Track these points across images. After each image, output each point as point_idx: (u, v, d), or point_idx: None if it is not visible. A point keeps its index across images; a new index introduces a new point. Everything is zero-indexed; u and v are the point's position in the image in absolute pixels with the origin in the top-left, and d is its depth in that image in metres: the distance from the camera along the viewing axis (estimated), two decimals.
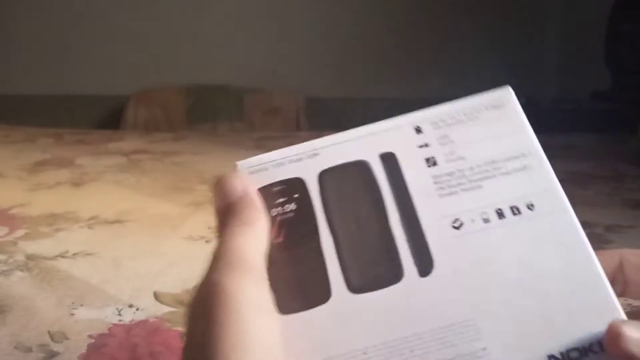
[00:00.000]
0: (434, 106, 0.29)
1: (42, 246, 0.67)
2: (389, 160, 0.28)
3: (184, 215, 0.82)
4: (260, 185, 0.28)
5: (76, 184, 1.00)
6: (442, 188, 0.27)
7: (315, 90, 2.14)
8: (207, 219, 0.79)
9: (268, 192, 0.28)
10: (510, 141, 0.27)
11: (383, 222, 0.26)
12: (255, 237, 0.25)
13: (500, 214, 0.26)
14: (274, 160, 0.28)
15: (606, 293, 0.24)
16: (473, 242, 0.26)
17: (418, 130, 0.28)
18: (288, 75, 2.18)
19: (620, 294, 0.26)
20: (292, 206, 0.27)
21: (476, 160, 0.27)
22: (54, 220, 0.77)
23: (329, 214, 0.27)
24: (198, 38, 2.15)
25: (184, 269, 0.61)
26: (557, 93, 2.21)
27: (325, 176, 0.28)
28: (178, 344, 0.46)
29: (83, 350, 0.45)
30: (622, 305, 0.24)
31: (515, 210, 0.26)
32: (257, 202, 0.27)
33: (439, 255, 0.26)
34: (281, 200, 0.27)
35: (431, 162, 0.27)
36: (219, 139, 1.61)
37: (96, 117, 2.14)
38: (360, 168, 0.28)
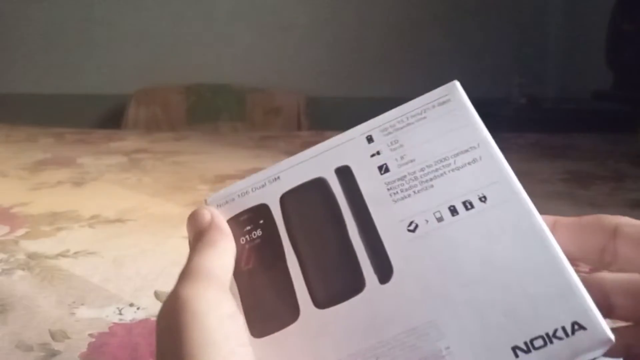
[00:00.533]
0: (383, 113, 0.29)
1: (43, 245, 0.68)
2: (345, 174, 0.28)
3: (185, 214, 0.81)
4: (229, 216, 0.29)
5: (77, 183, 1.00)
6: (395, 193, 0.27)
7: (317, 89, 2.14)
8: None
9: (236, 222, 0.29)
10: (458, 136, 0.27)
11: (342, 235, 0.27)
12: (219, 255, 0.26)
13: (453, 211, 0.26)
14: (239, 190, 0.29)
15: (568, 277, 0.23)
16: (429, 243, 0.25)
17: (369, 139, 0.28)
18: (289, 75, 2.18)
19: (607, 265, 0.26)
20: (259, 232, 0.28)
21: (426, 160, 0.27)
22: (55, 220, 0.77)
23: (292, 234, 0.27)
24: (199, 37, 2.15)
25: None
26: (558, 93, 2.21)
27: (286, 198, 0.28)
28: None
29: (84, 349, 0.45)
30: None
31: (468, 205, 0.26)
32: (223, 226, 0.28)
33: (397, 260, 0.25)
34: (248, 228, 0.28)
35: (383, 169, 0.27)
36: (220, 139, 1.61)
37: (97, 116, 2.14)
38: (318, 185, 0.28)
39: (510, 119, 1.82)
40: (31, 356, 0.44)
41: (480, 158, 0.26)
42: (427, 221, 0.26)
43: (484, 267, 0.24)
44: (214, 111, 2.01)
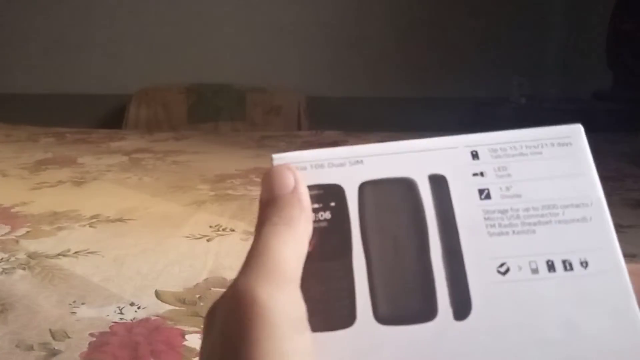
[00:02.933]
0: (494, 132, 0.26)
1: (43, 245, 0.68)
2: (439, 184, 0.25)
3: (185, 214, 0.82)
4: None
5: (78, 182, 1.00)
6: (492, 225, 0.24)
7: (317, 89, 2.14)
8: (208, 217, 0.80)
9: None
10: (572, 186, 0.25)
11: (423, 251, 0.24)
12: (296, 241, 0.23)
13: (550, 266, 0.24)
14: (314, 160, 0.26)
15: None
16: (517, 292, 0.23)
17: (474, 155, 0.25)
18: (289, 74, 2.18)
19: None
20: (327, 215, 0.25)
21: (533, 200, 0.25)
22: (56, 219, 0.77)
23: (365, 230, 0.25)
24: (200, 37, 2.15)
25: (186, 268, 0.61)
26: (558, 93, 2.21)
27: (366, 188, 0.25)
28: (179, 342, 0.46)
29: (84, 348, 0.45)
30: None
31: (567, 265, 0.24)
32: (306, 203, 0.24)
33: (478, 299, 0.23)
34: (316, 206, 0.25)
35: (485, 194, 0.25)
36: (220, 138, 1.61)
37: (98, 116, 2.14)
38: (406, 186, 0.25)
39: (510, 119, 1.82)
40: (32, 356, 0.44)
41: (591, 218, 0.24)
42: (520, 268, 0.23)
43: (568, 334, 0.23)
44: (214, 111, 2.01)
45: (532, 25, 2.21)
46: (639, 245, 0.70)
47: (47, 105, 2.06)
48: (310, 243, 0.24)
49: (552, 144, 0.26)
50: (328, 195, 0.25)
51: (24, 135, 1.53)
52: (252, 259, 0.22)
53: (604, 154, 1.35)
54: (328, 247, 0.24)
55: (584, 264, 0.24)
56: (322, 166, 0.26)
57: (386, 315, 0.23)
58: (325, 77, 2.19)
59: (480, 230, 0.24)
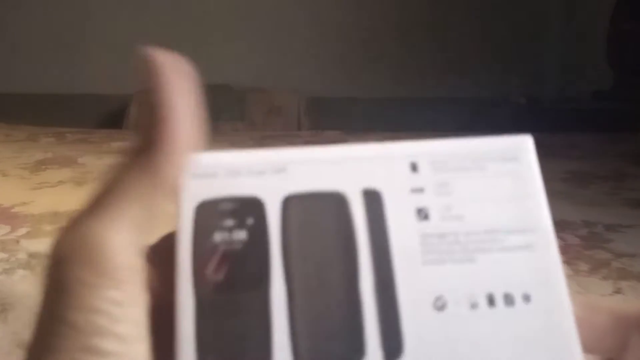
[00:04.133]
0: (437, 140, 0.23)
1: (44, 245, 0.68)
2: (373, 201, 0.22)
3: None
4: (206, 197, 0.21)
5: (78, 183, 1.00)
6: (429, 252, 0.21)
7: (317, 89, 2.14)
8: None
9: (213, 209, 0.21)
10: (517, 208, 0.22)
11: (352, 281, 0.21)
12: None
13: (491, 301, 0.21)
14: (228, 166, 0.22)
15: None
16: (454, 331, 0.21)
17: (414, 167, 0.22)
18: (290, 74, 2.18)
19: None
20: (243, 235, 0.21)
21: (475, 224, 0.22)
22: (56, 219, 0.77)
23: (287, 254, 0.21)
24: (199, 37, 2.15)
25: None
26: (558, 92, 2.21)
27: (291, 203, 0.22)
28: None
29: None
30: None
31: (508, 300, 0.21)
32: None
33: (411, 339, 0.21)
34: (230, 223, 0.21)
35: (423, 214, 0.22)
36: (220, 139, 1.61)
37: (98, 116, 2.14)
38: (337, 202, 0.22)
39: (510, 119, 1.82)
40: None
41: (536, 246, 0.22)
42: (458, 303, 0.21)
43: None
44: (214, 111, 2.01)
45: (532, 25, 2.21)
46: (639, 245, 0.70)
47: (48, 105, 2.06)
48: (220, 269, 0.21)
49: (497, 158, 0.23)
50: (245, 211, 0.21)
51: (24, 135, 1.53)
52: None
53: (604, 154, 1.35)
54: (242, 274, 0.21)
55: (526, 299, 0.21)
56: (238, 173, 0.22)
57: (307, 355, 0.20)
58: (325, 77, 2.20)
59: (416, 257, 0.21)
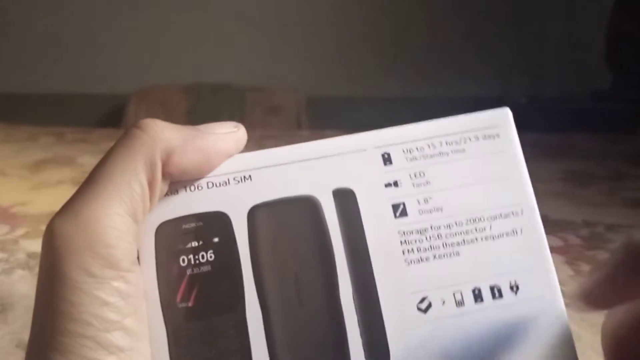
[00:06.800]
0: (407, 125, 0.21)
1: None
2: (346, 200, 0.20)
3: None
4: (167, 218, 0.20)
5: (78, 182, 1.00)
6: (410, 251, 0.20)
7: (317, 88, 2.14)
8: None
9: (177, 230, 0.20)
10: (500, 190, 0.21)
11: (331, 291, 0.20)
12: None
13: (477, 296, 0.20)
14: (189, 180, 0.20)
15: None
16: (441, 333, 0.20)
17: (387, 158, 0.21)
18: (289, 73, 2.18)
19: None
20: (210, 256, 0.20)
21: (457, 214, 0.21)
22: None
23: (258, 270, 0.20)
24: (199, 36, 2.15)
25: None
26: (557, 92, 2.21)
27: (257, 214, 0.20)
28: None
29: None
30: None
31: (496, 292, 0.20)
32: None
33: (397, 345, 0.19)
34: (195, 244, 0.20)
35: (400, 210, 0.20)
36: None
37: (97, 115, 2.14)
38: (307, 207, 0.20)
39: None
40: None
41: (521, 231, 0.21)
42: (443, 302, 0.20)
43: None
44: (214, 111, 2.01)
45: (532, 25, 2.21)
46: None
47: (47, 104, 2.05)
48: (189, 295, 0.19)
49: (477, 137, 0.22)
50: (210, 228, 0.20)
51: (23, 135, 1.53)
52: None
53: (604, 154, 1.35)
54: (214, 298, 0.19)
55: (514, 289, 0.20)
56: (200, 188, 0.20)
57: None
58: (325, 77, 2.19)
59: (396, 257, 0.20)
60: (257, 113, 2.04)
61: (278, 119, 2.03)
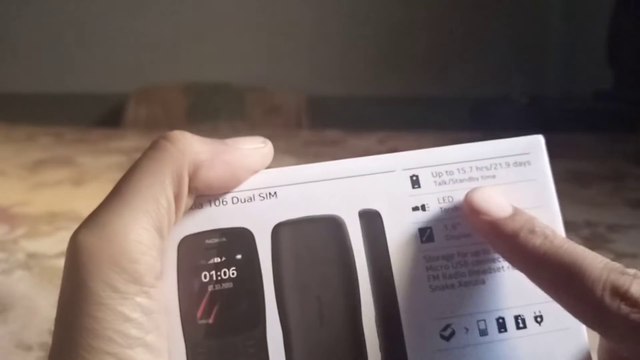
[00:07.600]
0: (437, 147, 0.21)
1: (42, 245, 0.67)
2: (372, 223, 0.20)
3: None
4: (188, 232, 0.19)
5: (77, 182, 1.00)
6: (435, 277, 0.20)
7: (317, 88, 2.14)
8: None
9: (199, 245, 0.19)
10: None
11: (353, 315, 0.19)
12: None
13: (501, 325, 0.20)
14: (214, 194, 0.20)
15: None
16: None
17: (415, 181, 0.20)
18: (289, 73, 2.18)
19: None
20: (232, 272, 0.19)
21: (484, 241, 0.20)
22: (55, 219, 0.77)
23: (281, 290, 0.19)
24: (199, 36, 2.15)
25: None
26: (559, 92, 2.21)
27: (282, 232, 0.20)
28: None
29: None
30: None
31: (520, 322, 0.20)
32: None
33: None
34: (216, 260, 0.19)
35: (427, 235, 0.20)
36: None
37: (96, 115, 2.14)
38: (333, 228, 0.20)
39: (511, 119, 1.82)
40: (31, 356, 0.44)
41: None
42: (467, 330, 0.19)
43: None
44: (213, 110, 2.01)
45: (532, 24, 2.21)
46: (639, 245, 0.70)
47: (46, 104, 2.05)
48: (210, 312, 0.19)
49: (508, 164, 0.21)
50: (233, 245, 0.19)
51: (22, 135, 1.53)
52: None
53: (605, 154, 1.35)
54: (235, 316, 0.19)
55: (539, 319, 0.20)
56: (224, 203, 0.20)
57: None
58: (325, 77, 2.19)
59: (421, 283, 0.20)
60: (257, 113, 2.04)
61: (278, 119, 2.03)
